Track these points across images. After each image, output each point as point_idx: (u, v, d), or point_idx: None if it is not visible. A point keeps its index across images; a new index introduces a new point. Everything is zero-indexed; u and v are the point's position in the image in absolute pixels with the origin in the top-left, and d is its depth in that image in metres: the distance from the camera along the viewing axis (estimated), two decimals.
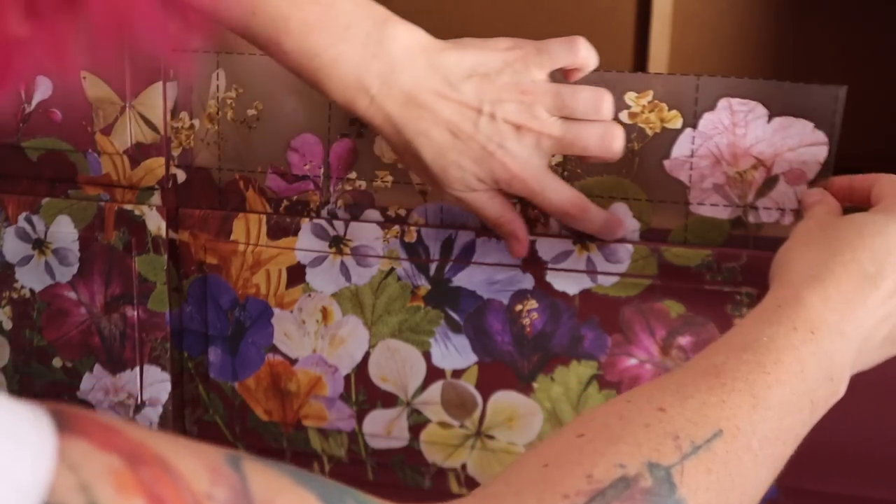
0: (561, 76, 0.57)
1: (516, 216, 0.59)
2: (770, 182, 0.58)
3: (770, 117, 0.57)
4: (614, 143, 0.55)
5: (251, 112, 0.64)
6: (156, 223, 0.67)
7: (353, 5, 0.54)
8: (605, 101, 0.56)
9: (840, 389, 0.46)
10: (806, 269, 0.48)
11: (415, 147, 0.55)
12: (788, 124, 0.57)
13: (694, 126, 0.59)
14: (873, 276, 0.47)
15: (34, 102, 0.67)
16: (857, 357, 0.47)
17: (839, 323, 0.46)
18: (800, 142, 0.57)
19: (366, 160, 0.63)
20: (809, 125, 0.57)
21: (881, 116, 1.00)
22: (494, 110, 0.54)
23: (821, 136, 0.57)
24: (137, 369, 0.69)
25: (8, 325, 0.71)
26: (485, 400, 0.64)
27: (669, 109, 0.59)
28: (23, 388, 0.72)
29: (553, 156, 0.58)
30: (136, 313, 0.68)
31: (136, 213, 0.67)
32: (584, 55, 0.56)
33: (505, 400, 0.64)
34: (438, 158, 0.55)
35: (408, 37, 0.54)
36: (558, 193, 0.57)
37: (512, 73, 0.55)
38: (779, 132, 0.58)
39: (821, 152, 0.57)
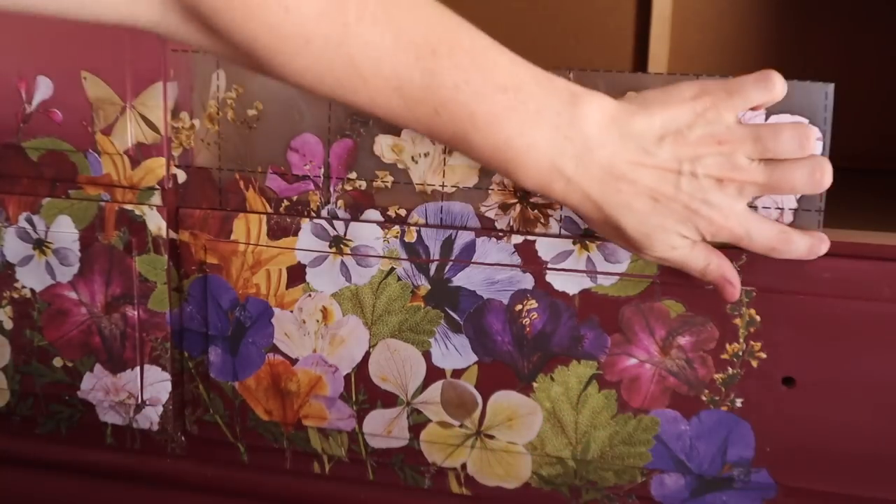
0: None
1: (722, 259, 0.57)
2: None
3: (767, 115, 0.57)
4: (824, 178, 0.53)
5: (251, 112, 0.64)
6: (156, 223, 0.67)
7: (539, 87, 0.52)
8: (810, 137, 0.53)
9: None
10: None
11: (616, 219, 0.54)
12: (785, 121, 0.57)
13: None
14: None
15: (34, 102, 0.67)
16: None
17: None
18: None
19: (366, 160, 0.63)
20: (804, 122, 0.57)
21: (880, 114, 1.00)
22: (695, 168, 0.52)
23: (815, 132, 0.57)
24: (138, 369, 0.69)
25: (8, 325, 0.71)
26: (485, 400, 0.64)
27: None
28: (23, 388, 0.72)
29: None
30: (136, 313, 0.68)
31: (137, 213, 0.67)
32: (780, 91, 0.54)
33: (505, 400, 0.64)
34: (641, 226, 0.54)
35: (598, 111, 0.52)
36: (763, 233, 0.55)
37: (704, 124, 0.53)
38: None
39: (816, 149, 0.57)
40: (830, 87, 0.57)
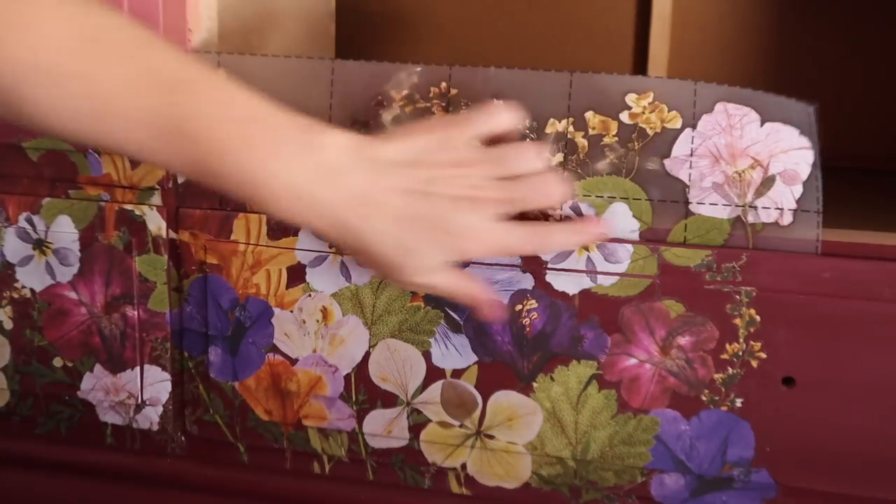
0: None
1: (474, 282, 0.59)
2: (768, 181, 0.58)
3: (762, 122, 0.57)
4: (550, 189, 0.56)
5: None
6: (156, 223, 0.67)
7: (279, 119, 0.54)
8: (530, 152, 0.56)
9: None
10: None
11: (370, 244, 0.55)
12: (778, 129, 0.58)
13: (693, 127, 0.59)
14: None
15: None
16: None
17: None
18: (790, 145, 0.58)
19: None
20: (795, 131, 0.58)
21: (880, 114, 1.00)
22: (437, 189, 0.55)
23: (806, 142, 0.58)
24: (138, 369, 0.69)
25: (8, 325, 0.71)
26: (485, 400, 0.65)
27: (669, 111, 0.59)
28: (23, 388, 0.72)
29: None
30: (136, 313, 0.68)
31: (137, 213, 0.67)
32: (502, 119, 0.57)
33: (505, 400, 0.64)
34: (396, 249, 0.55)
35: (342, 140, 0.54)
36: (521, 238, 0.57)
37: (444, 149, 0.56)
38: (771, 135, 0.58)
39: (809, 156, 0.58)
40: (812, 109, 0.57)
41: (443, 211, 0.55)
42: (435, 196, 0.55)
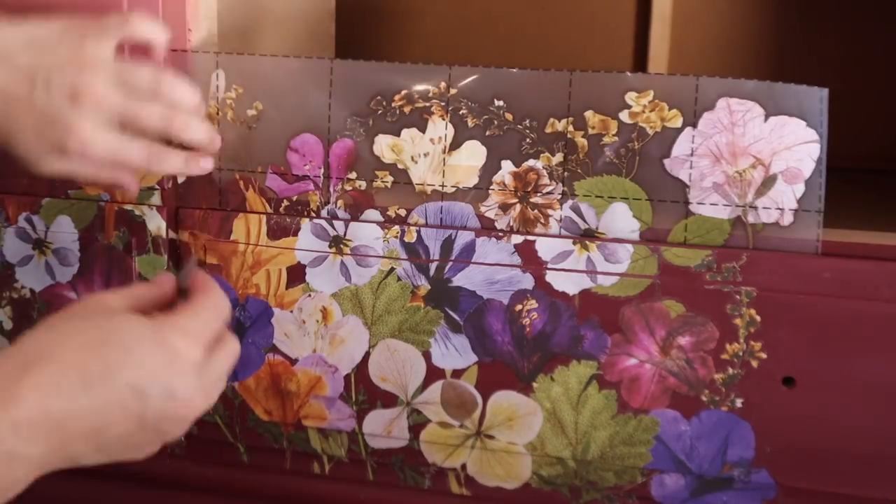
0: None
1: (115, 167, 0.59)
2: (769, 181, 0.58)
3: (766, 117, 0.57)
4: (174, 124, 0.57)
5: (251, 112, 0.64)
6: (156, 223, 0.67)
7: None
8: (165, 81, 0.57)
9: None
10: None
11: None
12: (783, 123, 0.58)
13: (694, 125, 0.59)
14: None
15: None
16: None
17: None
18: (795, 140, 0.58)
19: (366, 160, 0.63)
20: (802, 123, 0.57)
21: (880, 114, 1.00)
22: (50, 80, 0.55)
23: (812, 134, 0.57)
24: None
25: (8, 325, 0.71)
26: (485, 400, 0.64)
27: (670, 109, 0.59)
28: None
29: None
30: None
31: (137, 213, 0.67)
32: (141, 28, 0.57)
33: (505, 400, 0.64)
34: (4, 129, 0.56)
35: None
36: (138, 151, 0.58)
37: (72, 46, 0.56)
38: (775, 131, 0.58)
39: (814, 150, 0.58)
40: (825, 92, 0.57)
41: (51, 103, 0.55)
42: (46, 86, 0.55)
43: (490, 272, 0.63)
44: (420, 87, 0.62)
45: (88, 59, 0.56)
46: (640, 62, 1.04)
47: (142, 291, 0.52)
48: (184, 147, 0.61)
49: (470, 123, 0.62)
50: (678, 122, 0.59)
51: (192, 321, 0.49)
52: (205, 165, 0.62)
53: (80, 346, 0.47)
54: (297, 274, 0.65)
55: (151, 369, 0.47)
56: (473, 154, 0.62)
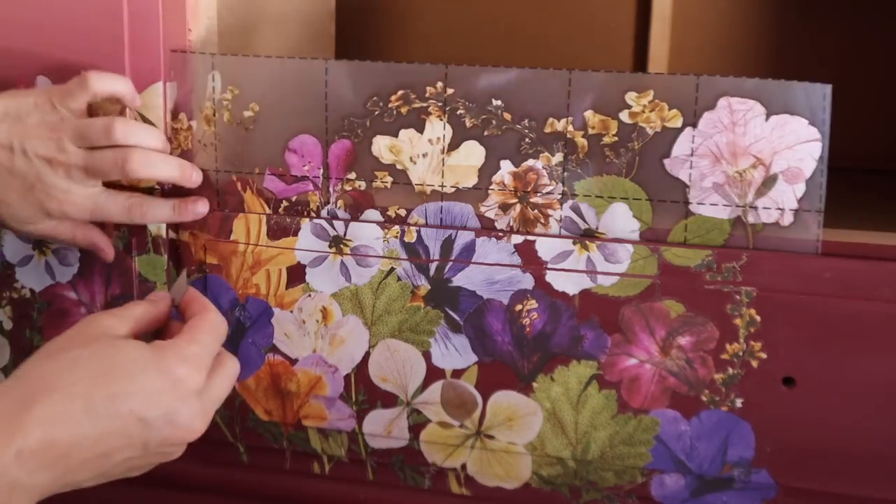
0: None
1: (88, 229, 0.64)
2: (769, 181, 0.58)
3: (768, 115, 0.57)
4: (127, 164, 0.60)
5: (247, 114, 0.64)
6: (156, 223, 0.67)
7: None
8: (114, 127, 0.60)
9: None
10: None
11: None
12: (785, 122, 0.58)
13: (694, 125, 0.59)
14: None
15: None
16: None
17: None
18: (796, 139, 0.58)
19: (365, 161, 0.63)
20: (804, 122, 0.57)
21: (880, 114, 1.00)
22: (25, 148, 0.59)
23: (814, 133, 0.57)
24: None
25: (8, 325, 0.71)
26: (485, 400, 0.64)
27: (670, 109, 0.59)
28: None
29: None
30: None
31: None
32: (103, 85, 0.61)
33: (505, 400, 0.64)
34: None
35: None
36: (114, 205, 0.62)
37: (41, 113, 0.60)
38: (776, 130, 0.58)
39: (816, 149, 0.58)
40: (828, 89, 0.57)
41: (31, 170, 0.59)
42: (23, 154, 0.59)
43: (490, 272, 0.63)
44: (417, 87, 0.62)
45: (57, 126, 0.60)
46: (640, 62, 1.04)
47: (139, 312, 0.53)
48: (180, 192, 0.64)
49: (468, 123, 0.62)
50: (678, 122, 0.59)
51: (192, 347, 0.51)
52: (198, 209, 0.65)
53: (84, 375, 0.48)
54: (297, 274, 0.65)
55: (155, 397, 0.48)
56: (472, 154, 0.62)
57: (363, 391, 0.66)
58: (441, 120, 0.62)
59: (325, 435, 0.68)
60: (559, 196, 0.61)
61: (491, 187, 0.62)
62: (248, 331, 0.67)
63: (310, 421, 0.67)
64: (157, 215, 0.64)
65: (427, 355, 0.65)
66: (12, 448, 0.44)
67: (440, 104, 0.62)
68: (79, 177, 0.60)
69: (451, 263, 0.63)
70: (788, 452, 0.61)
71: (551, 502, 0.65)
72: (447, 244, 0.63)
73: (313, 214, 0.65)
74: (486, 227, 0.62)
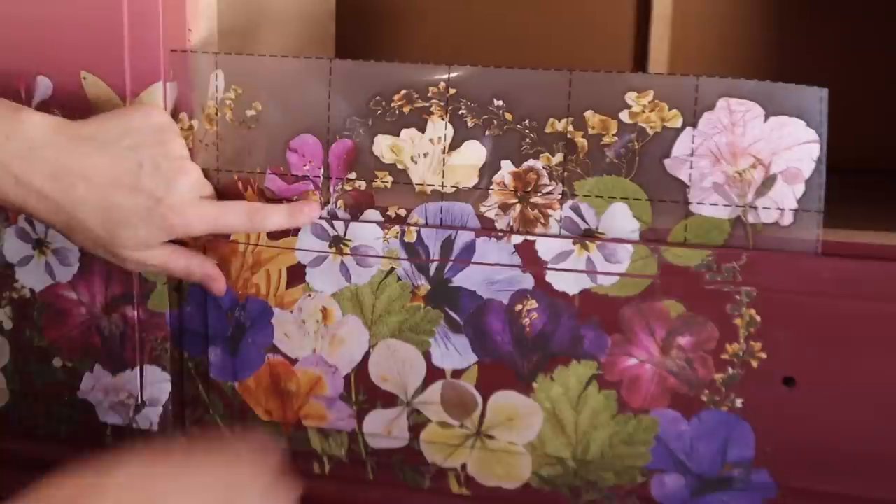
0: None
1: (202, 259, 0.62)
2: (769, 181, 0.58)
3: (766, 117, 0.57)
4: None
5: (250, 113, 0.64)
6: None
7: None
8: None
9: None
10: None
11: (78, 217, 0.55)
12: (783, 123, 0.58)
13: (694, 125, 0.59)
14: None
15: (34, 103, 0.67)
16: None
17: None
18: (794, 140, 0.58)
19: (365, 160, 0.63)
20: (802, 124, 0.57)
21: (880, 114, 1.00)
22: (155, 155, 0.57)
23: (812, 134, 0.57)
24: (137, 369, 0.69)
25: (8, 325, 0.71)
26: (485, 400, 0.64)
27: (670, 109, 0.59)
28: (23, 388, 0.72)
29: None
30: (136, 313, 0.68)
31: None
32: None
33: (505, 400, 0.64)
34: (105, 222, 0.55)
35: (42, 118, 0.55)
36: (235, 214, 0.60)
37: (150, 122, 0.58)
38: (775, 131, 0.58)
39: (814, 150, 0.58)
40: (825, 92, 0.57)
41: (160, 182, 0.56)
42: (154, 165, 0.56)
43: (490, 272, 0.63)
44: (419, 87, 0.62)
45: (170, 133, 0.59)
46: (640, 62, 1.04)
47: None
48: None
49: (469, 123, 0.62)
50: (678, 122, 0.59)
51: None
52: (311, 213, 0.62)
53: None
54: (297, 274, 0.65)
55: None
56: (473, 154, 0.62)
57: (363, 391, 0.66)
58: (443, 119, 0.62)
59: (325, 435, 0.68)
60: (559, 196, 0.61)
61: (491, 187, 0.62)
62: (248, 331, 0.67)
63: (310, 421, 0.68)
64: (276, 220, 0.62)
65: (427, 355, 0.65)
66: None
67: (443, 104, 0.62)
68: (199, 183, 0.59)
69: (451, 263, 0.63)
70: (788, 452, 0.61)
71: (551, 502, 0.65)
72: (447, 244, 0.63)
73: None
74: (486, 227, 0.62)
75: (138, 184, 0.56)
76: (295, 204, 0.63)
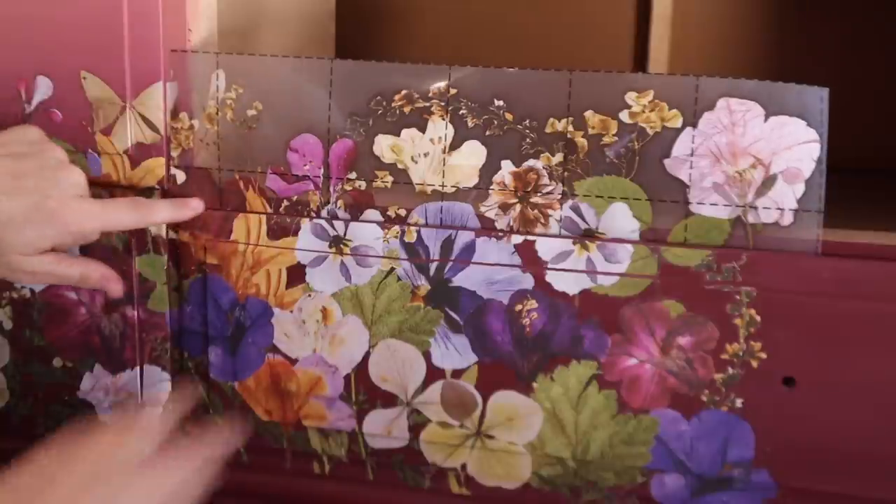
0: None
1: (96, 262, 0.62)
2: (769, 181, 0.58)
3: (766, 117, 0.57)
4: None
5: (251, 112, 0.64)
6: (159, 224, 0.67)
7: None
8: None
9: None
10: None
11: None
12: (783, 123, 0.58)
13: (694, 125, 0.59)
14: None
15: (34, 102, 0.67)
16: None
17: None
18: (795, 140, 0.58)
19: (366, 160, 0.63)
20: (802, 123, 0.57)
21: (880, 114, 1.00)
22: (36, 160, 0.57)
23: (813, 134, 0.57)
24: (137, 369, 0.69)
25: (8, 325, 0.71)
26: (485, 400, 0.64)
27: (670, 109, 0.59)
28: (23, 388, 0.72)
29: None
30: (136, 313, 0.68)
31: None
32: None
33: (505, 400, 0.64)
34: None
35: None
36: (124, 209, 0.60)
37: (31, 138, 0.59)
38: (776, 130, 0.58)
39: (814, 150, 0.58)
40: (825, 92, 0.57)
41: (33, 183, 0.56)
42: (25, 172, 0.56)
43: (490, 272, 0.63)
44: (420, 87, 0.62)
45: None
46: (640, 62, 1.04)
47: None
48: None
49: (470, 123, 0.62)
50: (678, 122, 0.59)
51: None
52: (197, 207, 0.64)
53: None
54: (297, 274, 0.65)
55: None
56: (473, 154, 0.62)
57: (363, 391, 0.66)
58: (443, 119, 0.62)
59: (325, 435, 0.68)
60: (559, 196, 0.61)
61: (491, 187, 0.62)
62: (248, 331, 0.67)
63: (310, 421, 0.68)
64: (162, 214, 0.63)
65: (427, 355, 0.65)
66: None
67: (443, 104, 0.62)
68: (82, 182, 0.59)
69: (451, 263, 0.63)
70: (788, 452, 0.61)
71: (551, 502, 0.65)
72: (447, 244, 0.63)
73: (313, 214, 0.65)
74: (486, 227, 0.62)
75: (18, 186, 0.56)
76: (180, 199, 0.64)
